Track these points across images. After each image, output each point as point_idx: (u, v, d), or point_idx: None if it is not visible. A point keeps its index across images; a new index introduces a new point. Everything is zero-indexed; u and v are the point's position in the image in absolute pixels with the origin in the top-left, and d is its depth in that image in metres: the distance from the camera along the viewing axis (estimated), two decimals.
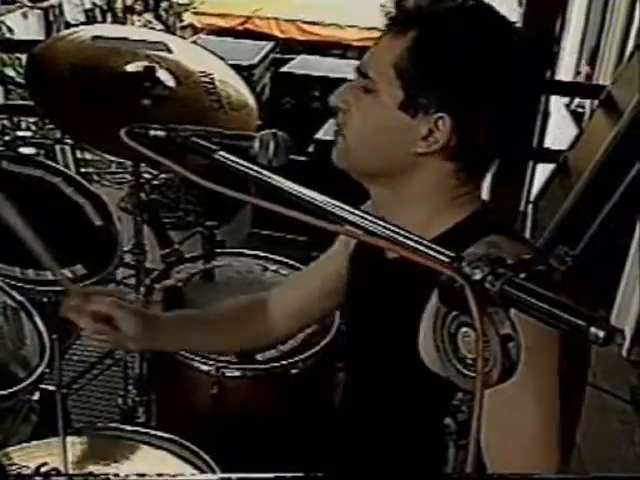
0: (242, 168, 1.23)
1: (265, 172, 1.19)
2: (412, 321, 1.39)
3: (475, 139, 1.42)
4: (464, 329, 0.88)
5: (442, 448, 0.99)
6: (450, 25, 1.41)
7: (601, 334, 0.75)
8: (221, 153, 1.29)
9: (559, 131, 5.55)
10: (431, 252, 0.91)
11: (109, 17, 8.11)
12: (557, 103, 5.73)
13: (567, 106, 6.04)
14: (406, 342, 1.40)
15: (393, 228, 0.98)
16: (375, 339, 1.61)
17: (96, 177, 5.46)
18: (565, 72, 6.22)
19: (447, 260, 0.89)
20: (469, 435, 0.84)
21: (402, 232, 0.97)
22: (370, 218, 1.02)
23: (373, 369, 1.63)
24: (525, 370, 0.88)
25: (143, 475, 1.45)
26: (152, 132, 1.39)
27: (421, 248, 0.93)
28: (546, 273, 0.87)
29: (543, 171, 4.80)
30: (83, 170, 5.30)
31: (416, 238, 0.95)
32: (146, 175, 4.67)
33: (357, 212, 1.04)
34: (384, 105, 1.44)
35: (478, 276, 0.85)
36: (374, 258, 1.58)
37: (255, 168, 1.21)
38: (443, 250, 0.91)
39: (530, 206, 4.72)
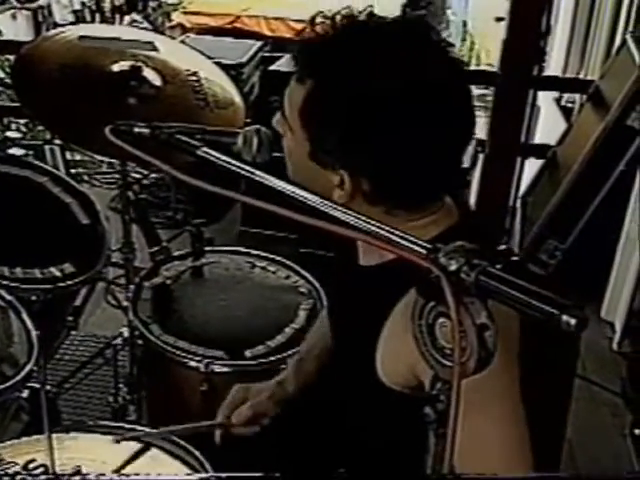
0: (225, 164, 1.24)
1: (247, 167, 1.20)
2: (373, 334, 1.41)
3: (386, 186, 1.37)
4: (441, 319, 0.90)
5: (421, 442, 0.99)
6: (343, 79, 1.34)
7: (572, 321, 0.76)
8: (204, 149, 1.29)
9: (549, 126, 5.56)
10: (408, 244, 0.93)
11: (97, 17, 8.08)
12: (547, 99, 5.75)
13: (557, 101, 6.04)
14: (366, 355, 1.42)
15: (373, 223, 0.99)
16: (342, 344, 1.63)
17: (86, 178, 5.45)
18: (554, 67, 6.23)
19: (423, 252, 0.90)
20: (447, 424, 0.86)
21: (382, 227, 0.98)
22: (350, 213, 1.03)
23: (344, 371, 1.63)
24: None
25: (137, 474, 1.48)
26: (136, 129, 1.40)
27: (399, 240, 0.94)
28: (521, 264, 0.89)
29: (532, 166, 4.81)
30: (73, 171, 5.29)
31: (397, 232, 0.96)
32: (135, 175, 4.68)
33: (338, 207, 1.05)
34: (299, 149, 1.41)
35: (454, 267, 0.86)
36: (348, 266, 1.57)
37: (236, 163, 1.22)
38: (420, 242, 0.92)
39: (519, 201, 4.73)
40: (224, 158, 1.24)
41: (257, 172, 1.19)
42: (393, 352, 1.35)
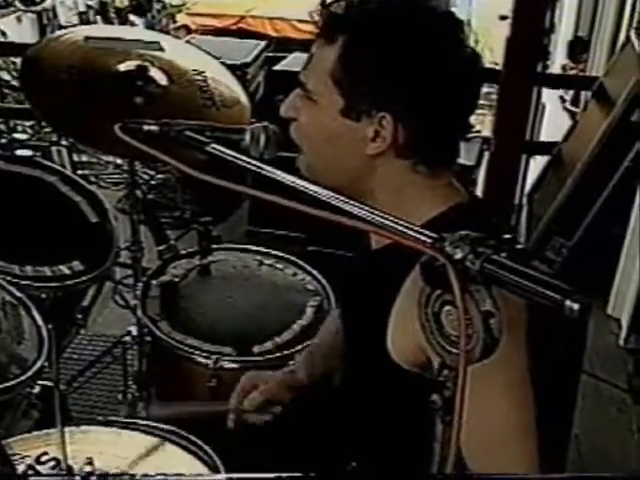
0: (234, 160, 1.26)
1: (256, 162, 1.22)
2: (385, 312, 1.44)
3: (422, 131, 1.44)
4: (447, 307, 0.91)
5: (428, 429, 1.01)
6: (376, 27, 1.42)
7: (576, 307, 0.78)
8: (213, 146, 1.31)
9: (553, 124, 5.57)
10: (414, 233, 0.94)
11: (100, 19, 8.12)
12: (552, 96, 5.76)
13: (561, 99, 6.06)
14: (378, 335, 1.45)
15: (379, 213, 1.01)
16: (355, 330, 1.65)
17: (93, 179, 5.48)
18: (558, 65, 6.24)
19: (429, 240, 0.92)
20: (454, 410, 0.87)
21: (387, 217, 1.00)
22: (356, 204, 1.05)
23: (355, 358, 1.66)
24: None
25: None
26: (146, 127, 1.42)
27: (405, 230, 0.95)
28: (524, 252, 0.90)
29: (537, 163, 4.82)
30: (80, 172, 5.31)
31: (401, 222, 0.98)
32: (143, 175, 4.71)
33: (344, 198, 1.07)
34: (327, 113, 1.46)
35: (459, 255, 0.88)
36: (361, 252, 1.62)
37: (245, 159, 1.24)
38: (425, 231, 0.93)
39: (525, 199, 4.74)
40: (233, 154, 1.26)
41: (265, 167, 1.21)
42: (403, 328, 1.39)
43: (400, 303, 1.41)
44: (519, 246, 0.86)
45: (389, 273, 1.43)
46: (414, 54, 1.40)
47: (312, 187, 1.12)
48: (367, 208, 1.03)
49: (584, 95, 5.39)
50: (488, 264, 0.86)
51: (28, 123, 5.60)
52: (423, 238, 0.92)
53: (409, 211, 1.44)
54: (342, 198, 1.07)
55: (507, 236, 0.91)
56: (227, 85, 2.66)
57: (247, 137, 1.46)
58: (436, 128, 1.45)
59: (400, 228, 0.97)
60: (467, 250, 0.87)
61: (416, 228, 0.95)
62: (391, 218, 0.99)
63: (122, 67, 2.53)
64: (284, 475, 1.05)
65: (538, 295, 0.82)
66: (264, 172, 1.20)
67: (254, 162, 1.23)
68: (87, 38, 2.59)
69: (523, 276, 0.84)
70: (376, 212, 1.01)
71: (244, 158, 1.25)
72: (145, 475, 1.45)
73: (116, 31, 3.04)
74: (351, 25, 1.43)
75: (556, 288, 0.81)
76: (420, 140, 1.44)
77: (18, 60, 4.40)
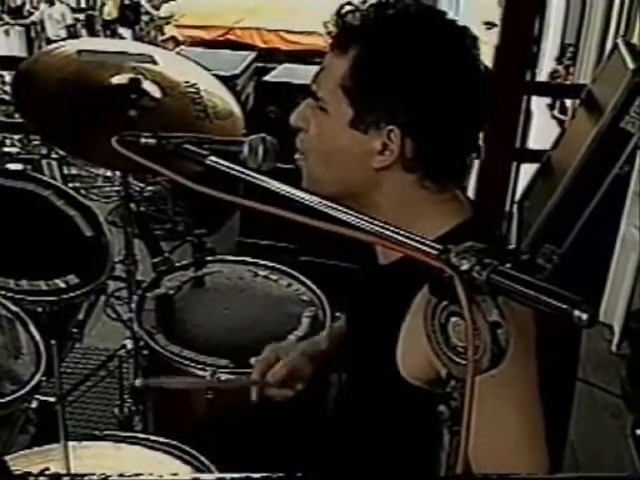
0: (234, 172, 1.26)
1: (256, 175, 1.23)
2: (394, 329, 1.44)
3: (430, 146, 1.45)
4: (454, 319, 0.91)
5: (435, 441, 1.01)
6: (390, 40, 1.43)
7: (584, 316, 0.78)
8: (212, 158, 1.32)
9: (542, 131, 5.59)
10: (420, 245, 0.95)
11: (85, 33, 8.13)
12: (539, 104, 5.78)
13: (550, 106, 6.08)
14: (386, 351, 1.44)
15: (383, 225, 1.02)
16: (362, 344, 1.64)
17: (83, 192, 5.47)
18: (546, 73, 6.27)
19: (435, 252, 0.92)
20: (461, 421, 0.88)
21: (391, 228, 1.00)
22: (360, 216, 1.05)
23: (361, 372, 1.66)
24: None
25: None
26: (143, 140, 1.42)
27: (410, 242, 0.96)
28: (530, 262, 0.91)
29: (527, 171, 4.83)
30: (70, 185, 5.31)
31: (405, 233, 0.99)
32: (134, 187, 4.70)
33: (346, 210, 1.07)
34: (336, 123, 1.47)
35: (465, 266, 0.88)
36: (369, 267, 1.61)
37: (246, 172, 1.24)
38: (431, 243, 0.94)
39: (515, 206, 4.75)
40: (232, 166, 1.26)
41: (264, 178, 1.21)
42: (413, 344, 1.38)
43: (410, 320, 1.40)
44: (524, 257, 0.86)
45: (398, 289, 1.42)
46: (426, 69, 1.41)
47: (313, 198, 1.13)
48: (370, 219, 1.03)
49: (572, 103, 5.42)
50: (495, 275, 0.86)
51: (17, 136, 5.59)
52: (428, 250, 0.93)
53: (415, 227, 1.44)
54: (343, 209, 1.08)
55: (512, 247, 0.91)
56: (220, 97, 2.67)
57: (245, 149, 1.47)
58: (444, 143, 1.45)
59: (404, 240, 0.97)
60: (473, 261, 0.88)
61: (421, 239, 0.95)
62: (394, 229, 1.00)
63: (115, 80, 2.53)
64: (274, 475, 1.05)
65: (546, 305, 0.82)
66: (262, 183, 1.20)
67: (253, 174, 1.23)
68: (80, 51, 2.59)
69: (530, 286, 0.84)
70: (379, 223, 1.02)
71: (243, 170, 1.26)
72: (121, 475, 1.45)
73: (108, 44, 3.03)
74: (364, 37, 1.44)
75: (564, 298, 0.81)
76: (428, 154, 1.45)
77: (6, 73, 4.41)
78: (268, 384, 1.83)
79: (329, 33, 1.48)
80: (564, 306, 0.80)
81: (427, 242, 0.95)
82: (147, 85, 2.54)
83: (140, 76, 2.55)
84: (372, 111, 1.43)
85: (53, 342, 1.51)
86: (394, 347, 1.43)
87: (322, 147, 1.50)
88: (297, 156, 1.56)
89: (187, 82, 2.64)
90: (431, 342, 0.95)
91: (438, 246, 0.93)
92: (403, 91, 1.41)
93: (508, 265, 0.88)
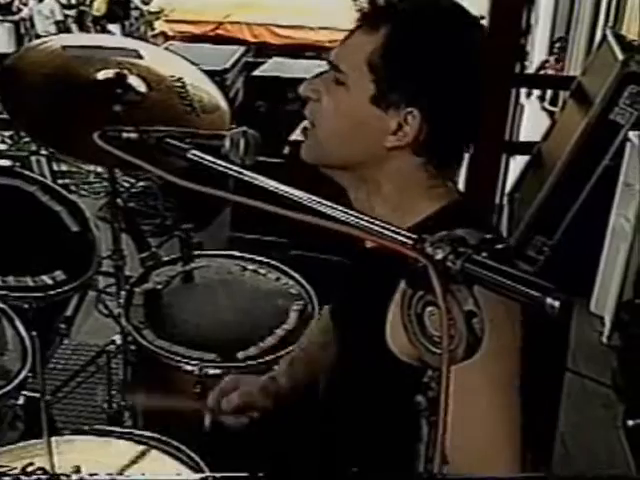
0: (215, 166, 1.26)
1: (237, 168, 1.22)
2: (382, 310, 1.44)
3: (443, 133, 1.47)
4: (430, 308, 0.91)
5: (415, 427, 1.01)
6: (421, 22, 1.46)
7: (557, 304, 0.78)
8: (194, 152, 1.31)
9: (533, 124, 5.60)
10: (395, 235, 0.94)
11: (76, 28, 8.11)
12: (530, 96, 5.78)
13: (540, 98, 6.09)
14: (376, 329, 1.45)
15: (358, 215, 1.01)
16: (350, 328, 1.64)
17: (73, 188, 5.46)
18: (535, 64, 6.27)
19: (410, 242, 0.92)
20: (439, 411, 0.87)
21: (366, 218, 1.00)
22: (336, 207, 1.05)
23: (350, 354, 1.66)
24: (482, 347, 0.91)
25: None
26: (125, 134, 1.42)
27: (385, 232, 0.96)
28: (506, 251, 0.90)
29: (517, 163, 4.84)
30: (60, 182, 5.29)
31: (380, 223, 0.98)
32: (124, 183, 4.70)
33: (324, 201, 1.07)
34: (355, 98, 1.47)
35: (440, 256, 0.88)
36: (355, 252, 1.62)
37: (225, 165, 1.24)
38: (406, 233, 0.94)
39: (506, 199, 4.76)
40: (213, 160, 1.26)
41: (245, 172, 1.21)
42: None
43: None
44: (501, 245, 0.86)
45: (386, 269, 1.42)
46: (452, 55, 1.44)
47: (292, 191, 1.12)
48: (345, 210, 1.03)
49: (562, 94, 5.42)
50: (469, 264, 0.86)
51: (7, 133, 5.57)
52: (404, 240, 0.93)
53: (410, 207, 1.49)
54: (322, 201, 1.07)
55: (489, 235, 0.91)
56: (207, 91, 2.66)
57: (227, 143, 1.46)
58: (456, 131, 1.49)
59: (379, 229, 0.97)
60: (448, 250, 0.88)
61: (396, 230, 0.95)
62: (370, 220, 0.99)
63: (100, 75, 2.53)
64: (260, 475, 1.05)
65: (519, 293, 0.82)
66: (245, 177, 1.20)
67: (235, 168, 1.23)
68: (65, 47, 2.58)
69: (503, 275, 0.84)
70: (355, 214, 1.01)
71: (224, 164, 1.25)
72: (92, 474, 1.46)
73: (94, 39, 3.03)
74: (398, 16, 1.46)
75: (536, 286, 0.81)
76: (439, 140, 1.47)
77: None
78: (221, 412, 1.84)
79: (360, 10, 1.49)
80: (536, 294, 0.80)
81: (402, 232, 0.94)
82: (133, 80, 2.54)
83: (126, 71, 2.55)
84: (395, 90, 1.44)
85: (34, 334, 1.50)
86: (383, 326, 1.43)
87: (337, 120, 1.50)
88: (305, 124, 1.57)
89: (173, 76, 2.64)
90: (408, 332, 0.95)
91: (413, 236, 0.93)
92: (429, 75, 1.43)
93: (484, 254, 0.88)
